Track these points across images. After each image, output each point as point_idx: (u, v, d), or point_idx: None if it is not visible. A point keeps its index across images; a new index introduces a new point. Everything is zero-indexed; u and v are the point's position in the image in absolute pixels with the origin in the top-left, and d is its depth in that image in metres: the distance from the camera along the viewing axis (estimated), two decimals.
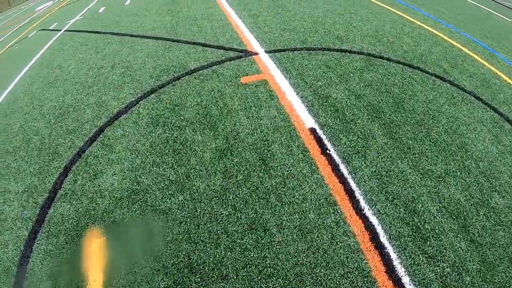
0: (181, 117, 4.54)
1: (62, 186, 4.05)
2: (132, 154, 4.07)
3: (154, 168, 3.81)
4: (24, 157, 4.85)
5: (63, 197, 3.91)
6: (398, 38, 7.11)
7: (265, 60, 5.96)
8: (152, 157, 3.97)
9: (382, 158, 3.93)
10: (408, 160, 3.94)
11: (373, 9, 9.02)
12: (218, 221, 3.21)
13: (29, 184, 4.34)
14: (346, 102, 4.86)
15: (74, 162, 4.28)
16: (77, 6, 15.38)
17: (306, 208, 3.26)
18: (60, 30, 10.85)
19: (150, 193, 3.56)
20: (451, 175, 3.86)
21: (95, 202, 3.69)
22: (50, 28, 11.97)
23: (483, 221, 3.44)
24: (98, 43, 8.13)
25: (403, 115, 4.70)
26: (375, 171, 3.75)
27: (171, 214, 3.32)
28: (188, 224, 3.21)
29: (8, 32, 16.46)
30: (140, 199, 3.53)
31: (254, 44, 6.56)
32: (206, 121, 4.41)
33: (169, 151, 4.00)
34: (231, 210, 3.28)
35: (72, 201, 3.80)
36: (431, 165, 3.93)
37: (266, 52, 6.23)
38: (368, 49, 6.43)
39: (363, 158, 3.89)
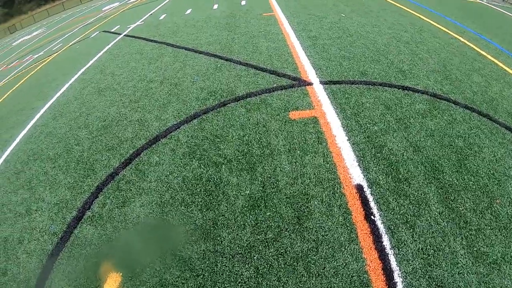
0: (220, 152, 4.53)
1: (91, 207, 4.19)
2: (163, 186, 4.12)
3: (182, 208, 3.80)
4: (62, 167, 5.11)
5: (90, 219, 4.04)
6: (467, 76, 6.58)
7: (319, 92, 5.79)
8: (182, 194, 3.98)
9: (433, 232, 3.59)
10: (462, 237, 3.56)
11: (441, 38, 8.51)
12: (237, 282, 3.10)
13: (62, 197, 4.55)
14: (403, 155, 4.53)
15: (107, 184, 4.42)
16: (141, 9, 16.32)
17: (335, 285, 3.05)
18: (120, 34, 11.53)
19: (174, 235, 3.55)
20: (508, 261, 3.42)
21: (118, 231, 3.76)
22: (112, 30, 12.77)
23: None
24: (152, 53, 8.50)
25: (465, 177, 4.27)
26: (422, 248, 3.42)
27: (190, 264, 3.27)
28: (205, 279, 3.14)
29: (73, 29, 17.87)
30: (163, 239, 3.53)
31: (309, 72, 6.43)
32: (245, 161, 4.35)
33: (200, 190, 3.99)
34: (253, 272, 3.16)
35: (97, 225, 3.90)
36: (487, 246, 3.51)
37: (322, 83, 6.07)
38: (433, 88, 6.00)
39: (411, 230, 3.58)
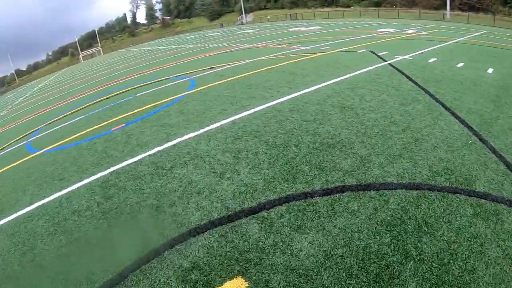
0: (418, 245, 3.70)
1: (270, 210, 4.25)
2: (342, 240, 3.72)
3: (344, 274, 3.28)
4: (271, 157, 5.45)
5: (261, 220, 4.11)
6: None
7: None
8: (353, 261, 3.46)
9: None
10: None
11: None
12: None
13: (254, 183, 4.85)
14: None
15: (297, 199, 4.39)
16: (413, 44, 15.88)
17: None
18: (385, 61, 11.47)
19: None
20: None
21: (275, 249, 3.65)
22: (379, 54, 12.86)
23: None
24: (408, 95, 8.02)
25: None
26: None
27: None
28: None
29: (344, 38, 19.03)
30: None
31: None
32: (437, 272, 3.32)
33: (373, 270, 3.33)
34: None
35: (262, 229, 3.93)
36: None
37: None
38: None
39: None
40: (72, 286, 3.84)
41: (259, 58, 15.46)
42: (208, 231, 4.09)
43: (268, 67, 12.79)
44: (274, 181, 4.82)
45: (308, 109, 7.20)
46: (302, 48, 16.58)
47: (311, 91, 8.48)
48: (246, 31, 41.80)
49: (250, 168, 5.27)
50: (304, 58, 13.60)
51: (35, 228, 5.38)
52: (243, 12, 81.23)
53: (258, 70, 12.56)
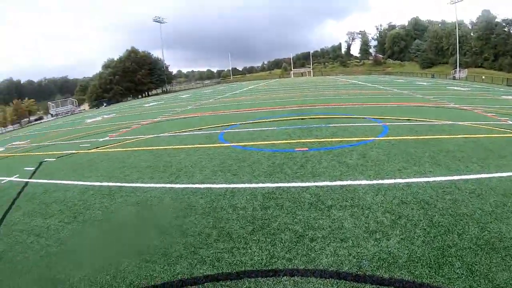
0: None
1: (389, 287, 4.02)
2: None
3: None
4: (427, 235, 5.09)
5: None
6: None
7: None
8: None
9: None
10: None
11: None
12: None
13: (395, 253, 4.64)
14: None
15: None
16: None
17: None
18: None
19: None
20: None
21: None
22: None
23: None
24: None
25: None
26: None
27: None
28: None
29: None
30: None
31: None
32: None
33: None
34: None
35: None
36: None
37: None
38: None
39: None
40: (197, 260, 4.73)
41: (460, 122, 13.97)
42: (330, 278, 4.17)
43: (466, 135, 11.50)
44: (417, 262, 4.39)
45: (490, 197, 6.17)
46: (510, 122, 14.22)
47: (501, 177, 7.16)
48: (456, 88, 37.75)
49: (401, 238, 4.94)
50: (509, 135, 11.70)
51: (194, 202, 6.54)
52: (457, 66, 74.58)
53: (454, 136, 11.41)
